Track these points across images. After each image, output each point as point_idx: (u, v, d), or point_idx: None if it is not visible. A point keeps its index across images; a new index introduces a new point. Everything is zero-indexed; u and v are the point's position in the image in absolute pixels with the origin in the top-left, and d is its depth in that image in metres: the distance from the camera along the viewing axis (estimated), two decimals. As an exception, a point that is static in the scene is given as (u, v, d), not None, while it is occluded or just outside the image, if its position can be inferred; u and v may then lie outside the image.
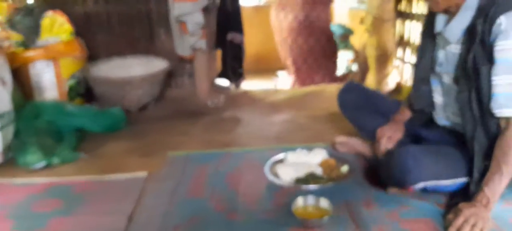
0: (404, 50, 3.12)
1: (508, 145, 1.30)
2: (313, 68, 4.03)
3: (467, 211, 1.27)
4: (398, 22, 3.15)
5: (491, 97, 1.32)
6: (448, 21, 1.45)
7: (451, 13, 1.44)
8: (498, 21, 1.27)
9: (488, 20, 1.30)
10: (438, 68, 1.55)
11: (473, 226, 1.24)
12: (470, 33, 1.37)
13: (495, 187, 1.30)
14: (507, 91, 1.29)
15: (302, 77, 4.06)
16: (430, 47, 1.59)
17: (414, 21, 2.95)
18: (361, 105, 1.89)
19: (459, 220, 1.27)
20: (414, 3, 2.93)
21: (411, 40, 2.99)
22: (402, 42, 3.14)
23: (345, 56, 4.37)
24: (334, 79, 4.03)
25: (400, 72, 3.17)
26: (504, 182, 1.31)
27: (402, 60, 3.15)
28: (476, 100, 1.38)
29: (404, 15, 3.07)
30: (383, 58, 3.09)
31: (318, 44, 3.97)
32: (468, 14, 1.37)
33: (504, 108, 1.30)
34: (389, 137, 1.69)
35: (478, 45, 1.34)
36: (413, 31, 2.96)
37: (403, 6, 3.07)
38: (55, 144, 2.10)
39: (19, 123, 2.09)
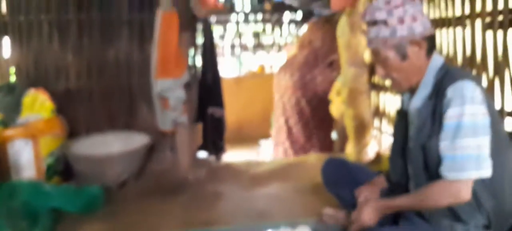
0: (380, 121, 3.19)
1: (433, 191, 1.34)
2: (310, 132, 4.03)
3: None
4: (373, 94, 3.25)
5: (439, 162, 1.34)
6: (411, 98, 1.51)
7: (414, 90, 1.49)
8: (446, 92, 1.32)
9: (440, 94, 1.35)
10: (410, 143, 1.57)
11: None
12: (424, 109, 1.42)
13: (399, 204, 1.45)
14: (450, 154, 1.30)
15: (295, 143, 4.04)
16: (404, 124, 1.63)
17: (388, 93, 3.05)
18: (343, 180, 1.88)
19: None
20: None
21: (387, 111, 3.07)
22: (378, 113, 3.22)
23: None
24: (328, 147, 4.01)
25: (379, 142, 3.22)
26: (405, 206, 1.44)
27: (380, 130, 3.20)
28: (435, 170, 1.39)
29: (378, 87, 3.17)
30: (361, 129, 3.14)
31: (319, 108, 3.99)
32: (426, 91, 1.43)
33: (451, 172, 1.30)
34: (366, 195, 1.70)
35: (430, 118, 1.38)
36: (388, 102, 3.05)
37: (376, 79, 3.18)
38: (29, 227, 1.99)
39: (-7, 205, 1.99)
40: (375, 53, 1.45)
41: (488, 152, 1.28)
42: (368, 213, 1.50)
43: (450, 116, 1.30)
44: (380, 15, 1.39)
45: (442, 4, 2.34)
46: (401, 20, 1.37)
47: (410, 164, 1.56)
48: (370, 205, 1.52)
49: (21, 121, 2.56)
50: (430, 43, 1.42)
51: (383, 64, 1.45)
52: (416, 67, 1.42)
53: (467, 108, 1.27)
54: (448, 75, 1.36)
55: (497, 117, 1.37)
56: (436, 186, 1.33)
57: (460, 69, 1.40)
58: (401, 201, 1.44)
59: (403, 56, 1.40)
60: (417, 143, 1.42)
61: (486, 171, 1.27)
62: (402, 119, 1.63)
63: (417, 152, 1.44)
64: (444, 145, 1.31)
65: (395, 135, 1.70)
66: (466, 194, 1.29)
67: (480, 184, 1.30)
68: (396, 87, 1.53)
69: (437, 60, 1.44)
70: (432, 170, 1.38)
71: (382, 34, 1.40)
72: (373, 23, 1.42)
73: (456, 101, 1.29)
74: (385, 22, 1.39)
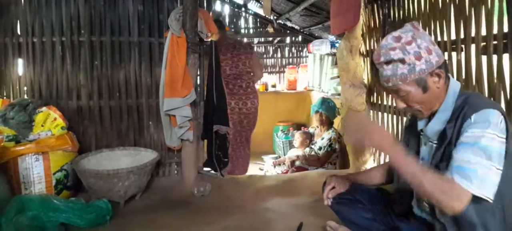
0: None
1: (444, 187, 1.24)
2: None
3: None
4: (371, 113, 3.21)
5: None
6: (429, 120, 1.47)
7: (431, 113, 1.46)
8: (470, 118, 1.29)
9: (460, 120, 1.32)
10: (420, 162, 1.53)
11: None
12: (444, 132, 1.39)
13: (409, 165, 1.30)
14: (458, 165, 1.26)
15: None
16: (415, 142, 1.59)
17: (385, 113, 3.01)
18: (343, 198, 1.84)
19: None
20: (384, 96, 3.01)
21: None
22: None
23: (328, 135, 4.36)
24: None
25: (377, 158, 3.17)
26: (413, 175, 1.28)
27: (377, 147, 3.15)
28: None
29: (376, 106, 3.13)
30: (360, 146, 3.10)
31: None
32: (445, 115, 1.40)
33: (456, 175, 1.25)
34: (333, 187, 1.74)
35: (448, 143, 1.35)
36: (385, 120, 3.01)
37: (374, 99, 3.15)
38: (37, 241, 1.94)
39: (2, 219, 1.94)
40: (395, 90, 1.42)
41: (495, 180, 1.23)
42: (381, 133, 1.35)
43: (469, 135, 1.27)
44: (396, 55, 1.36)
45: (437, 29, 2.32)
46: (418, 56, 1.35)
47: None
48: (387, 133, 1.38)
49: (33, 137, 2.53)
50: (445, 69, 1.41)
51: (404, 99, 1.43)
52: (437, 95, 1.41)
53: (488, 131, 1.24)
54: (470, 102, 1.34)
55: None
56: (446, 179, 1.26)
57: (481, 97, 1.40)
58: (412, 167, 1.30)
59: (425, 89, 1.38)
60: (433, 162, 1.40)
61: (487, 193, 1.22)
62: (413, 136, 1.60)
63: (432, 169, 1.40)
64: (456, 157, 1.27)
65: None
66: (460, 204, 1.22)
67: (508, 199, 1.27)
68: (418, 116, 1.50)
69: (454, 85, 1.43)
70: None
71: (401, 72, 1.37)
72: (388, 62, 1.39)
73: (480, 124, 1.26)
74: (402, 60, 1.35)
